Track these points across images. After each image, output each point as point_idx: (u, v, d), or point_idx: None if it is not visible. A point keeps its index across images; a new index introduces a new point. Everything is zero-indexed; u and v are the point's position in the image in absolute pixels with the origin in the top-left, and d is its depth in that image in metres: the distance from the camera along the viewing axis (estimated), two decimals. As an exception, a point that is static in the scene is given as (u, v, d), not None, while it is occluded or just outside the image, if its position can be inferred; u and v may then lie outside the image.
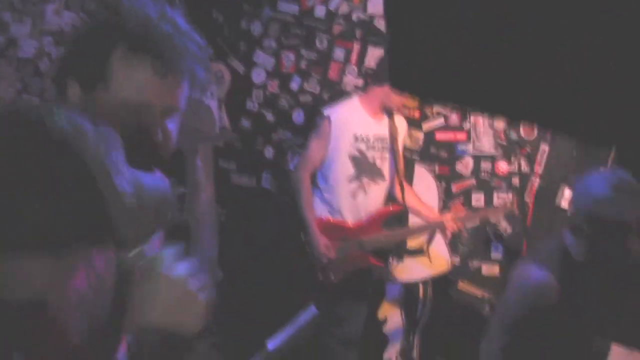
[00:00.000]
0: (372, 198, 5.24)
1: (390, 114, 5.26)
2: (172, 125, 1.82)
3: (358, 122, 5.16)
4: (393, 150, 5.27)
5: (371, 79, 5.32)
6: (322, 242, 5.04)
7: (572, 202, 3.45)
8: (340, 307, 5.23)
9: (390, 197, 5.42)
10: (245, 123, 6.81)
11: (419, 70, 1.17)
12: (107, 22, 1.65)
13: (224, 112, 6.79)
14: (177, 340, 1.63)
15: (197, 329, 1.65)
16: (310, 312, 2.14)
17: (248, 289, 5.96)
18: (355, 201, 5.17)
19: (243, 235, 6.53)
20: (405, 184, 5.36)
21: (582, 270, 3.22)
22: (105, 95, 1.67)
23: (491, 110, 1.43)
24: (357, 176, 5.14)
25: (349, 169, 5.12)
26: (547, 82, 1.06)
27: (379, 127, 5.22)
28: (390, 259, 5.49)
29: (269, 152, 6.76)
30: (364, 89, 5.82)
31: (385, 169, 5.27)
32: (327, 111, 5.26)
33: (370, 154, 5.17)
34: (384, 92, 5.06)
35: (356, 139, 5.12)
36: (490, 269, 5.93)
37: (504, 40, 1.05)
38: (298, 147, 6.54)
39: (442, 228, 5.28)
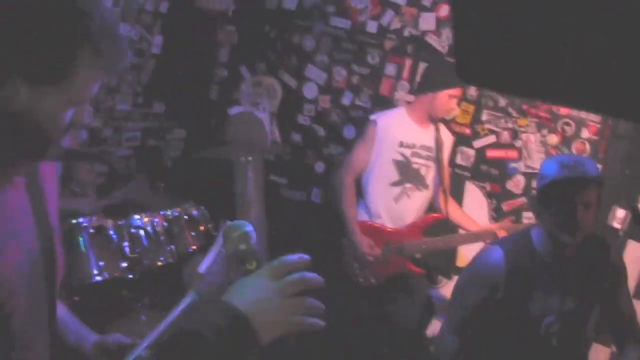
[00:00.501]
0: (414, 204, 5.20)
1: (436, 124, 5.25)
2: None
3: (404, 129, 5.16)
4: (438, 160, 5.24)
5: (418, 88, 5.29)
6: (365, 242, 5.04)
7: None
8: (388, 307, 5.24)
9: (432, 208, 5.39)
10: (296, 137, 6.84)
11: (483, 59, 1.17)
12: (74, 23, 1.63)
13: (275, 126, 6.87)
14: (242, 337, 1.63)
15: (266, 341, 1.63)
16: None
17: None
18: (397, 205, 5.14)
19: (292, 250, 6.53)
20: (449, 197, 5.30)
21: (543, 262, 3.29)
22: (58, 94, 1.65)
23: (555, 99, 1.42)
24: (401, 181, 5.12)
25: (393, 173, 5.11)
26: (616, 69, 1.05)
27: (425, 137, 5.19)
28: (439, 278, 5.46)
29: (319, 167, 6.77)
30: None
31: (429, 178, 5.23)
32: (373, 116, 5.29)
33: (414, 161, 5.15)
34: (429, 101, 5.08)
35: (401, 144, 5.12)
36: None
37: (571, 28, 1.04)
38: (348, 162, 6.55)
39: (492, 237, 5.18)
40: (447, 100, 5.06)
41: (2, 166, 1.75)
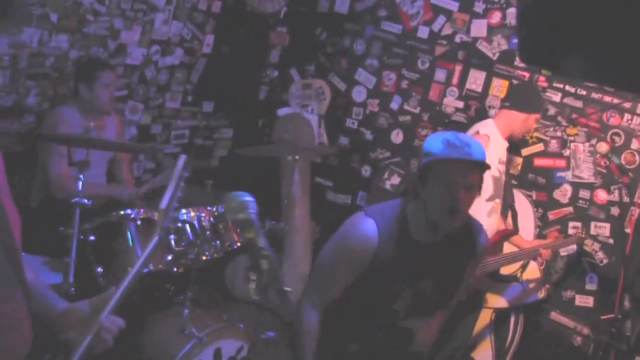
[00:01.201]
0: (496, 218, 5.22)
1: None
2: None
3: (501, 146, 5.16)
4: (506, 172, 5.33)
5: (519, 105, 5.17)
6: None
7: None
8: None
9: None
10: (344, 140, 6.86)
11: (547, 44, 1.17)
12: None
13: (323, 128, 6.89)
14: None
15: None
16: (181, 160, 2.22)
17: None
18: (488, 220, 5.07)
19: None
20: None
21: (412, 243, 3.14)
22: None
23: (618, 85, 1.42)
24: (493, 197, 5.10)
25: (489, 188, 5.03)
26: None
27: (505, 151, 5.26)
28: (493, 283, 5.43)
29: (366, 171, 6.77)
30: (474, 115, 5.83)
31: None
32: (482, 130, 5.10)
33: (503, 176, 5.20)
34: (522, 120, 5.13)
35: (499, 161, 5.12)
36: (583, 300, 5.77)
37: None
38: (395, 167, 6.54)
39: (536, 256, 5.16)
40: (533, 123, 5.24)
41: None
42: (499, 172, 5.07)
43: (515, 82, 5.99)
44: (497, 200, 5.13)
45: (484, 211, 5.03)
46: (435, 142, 3.04)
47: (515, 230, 5.36)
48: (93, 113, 5.01)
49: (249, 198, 1.93)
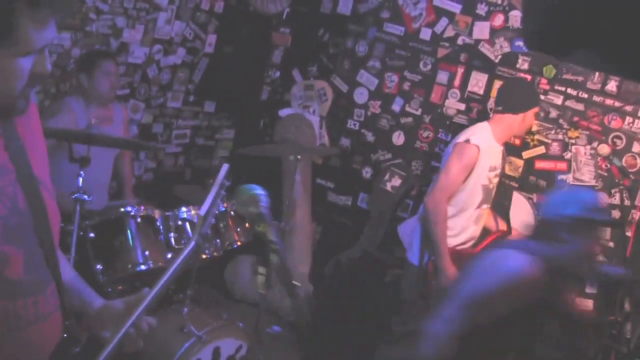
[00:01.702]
0: (483, 223, 5.22)
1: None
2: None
3: (494, 153, 5.05)
4: (502, 174, 5.29)
5: (511, 107, 5.07)
6: (453, 272, 4.85)
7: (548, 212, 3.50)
8: None
9: None
10: (345, 142, 6.86)
11: (553, 29, 1.17)
12: None
13: (324, 129, 6.89)
14: None
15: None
16: (224, 169, 2.26)
17: (337, 306, 5.97)
18: (475, 227, 5.11)
19: (337, 253, 6.55)
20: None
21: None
22: (10, 50, 1.72)
23: (623, 72, 1.42)
24: (481, 204, 5.06)
25: (479, 197, 5.02)
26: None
27: (500, 155, 5.16)
28: None
29: (367, 172, 6.77)
30: (476, 117, 5.77)
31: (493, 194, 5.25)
32: (473, 139, 4.95)
33: (492, 182, 5.10)
34: (520, 120, 5.00)
35: (490, 168, 5.01)
36: (583, 303, 5.76)
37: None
38: (396, 168, 6.53)
39: None
40: (533, 117, 5.11)
41: None
42: (488, 180, 5.00)
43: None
44: (485, 206, 5.11)
45: (472, 219, 5.06)
46: (595, 200, 3.43)
47: (509, 231, 5.33)
48: (96, 102, 5.00)
49: (260, 191, 1.94)
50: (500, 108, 5.05)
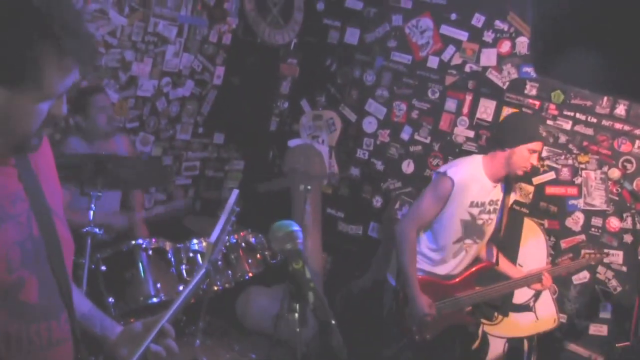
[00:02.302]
0: (470, 257, 5.02)
1: (509, 180, 5.01)
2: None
3: (478, 189, 4.80)
4: (502, 209, 5.00)
5: (499, 143, 4.95)
6: (425, 302, 4.75)
7: None
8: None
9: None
10: (355, 171, 6.86)
11: (561, 54, 1.17)
12: (34, 25, 1.72)
13: (334, 159, 6.90)
14: None
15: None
16: (233, 195, 2.28)
17: (349, 336, 5.92)
18: (454, 260, 4.95)
19: (348, 282, 6.54)
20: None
21: None
22: (34, 93, 1.76)
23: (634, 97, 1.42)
24: (462, 239, 4.88)
25: (458, 231, 4.84)
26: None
27: (495, 192, 4.91)
28: (495, 315, 5.35)
29: (377, 201, 6.76)
30: (487, 150, 5.65)
31: (489, 231, 5.00)
32: (450, 172, 4.78)
33: (480, 217, 4.87)
34: (508, 156, 4.74)
35: (471, 204, 4.80)
36: (598, 329, 5.72)
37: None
38: (406, 197, 6.53)
39: (538, 280, 5.08)
40: (527, 155, 4.70)
41: None
42: (470, 215, 4.81)
43: (524, 109, 6.00)
44: (469, 242, 4.91)
45: (450, 253, 4.92)
46: None
47: (495, 263, 5.17)
48: (98, 139, 5.01)
49: (296, 227, 1.95)
50: (492, 142, 5.01)
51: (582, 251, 5.56)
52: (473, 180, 4.80)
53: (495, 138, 5.03)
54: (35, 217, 1.95)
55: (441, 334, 4.95)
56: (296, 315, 1.96)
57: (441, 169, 4.88)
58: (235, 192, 2.34)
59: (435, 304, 4.82)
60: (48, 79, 1.74)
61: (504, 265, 5.27)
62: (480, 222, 4.89)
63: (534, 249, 5.61)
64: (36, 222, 1.95)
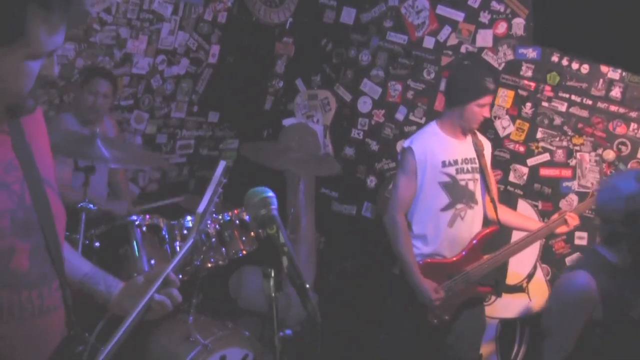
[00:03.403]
0: (469, 224, 4.82)
1: (472, 133, 4.92)
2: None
3: (442, 147, 4.74)
4: (481, 168, 4.88)
5: (446, 102, 4.90)
6: (430, 287, 4.60)
7: (600, 211, 3.41)
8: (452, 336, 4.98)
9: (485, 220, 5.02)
10: (349, 151, 6.85)
11: (561, 24, 1.17)
12: None
13: (328, 138, 6.89)
14: None
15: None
16: (221, 165, 2.31)
17: (342, 315, 5.94)
18: (452, 230, 4.74)
19: (341, 262, 6.55)
20: (497, 203, 5.00)
21: (626, 277, 3.28)
22: (21, 51, 1.78)
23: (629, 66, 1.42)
24: (452, 204, 4.72)
25: (442, 197, 4.71)
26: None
27: (464, 149, 4.83)
28: (490, 289, 5.25)
29: (371, 182, 6.77)
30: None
31: (478, 191, 4.86)
32: (407, 142, 4.80)
33: (460, 178, 4.75)
34: (459, 114, 4.70)
35: (443, 164, 4.71)
36: None
37: None
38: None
39: (562, 223, 4.79)
40: (477, 110, 4.67)
41: None
42: (448, 176, 4.72)
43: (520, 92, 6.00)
44: (460, 206, 4.76)
45: (443, 222, 4.75)
46: (624, 184, 3.24)
47: (497, 226, 4.96)
48: (85, 119, 5.00)
49: (270, 194, 1.96)
50: (446, 100, 4.90)
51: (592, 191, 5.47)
52: (432, 141, 4.75)
53: (445, 96, 4.91)
54: (28, 186, 1.97)
55: (457, 310, 4.84)
56: (271, 280, 1.97)
57: (401, 145, 4.87)
58: (223, 163, 2.35)
59: (444, 284, 4.68)
60: (35, 35, 1.76)
61: (518, 219, 5.17)
62: (462, 182, 4.77)
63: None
64: (29, 190, 1.97)
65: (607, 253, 3.32)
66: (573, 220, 4.76)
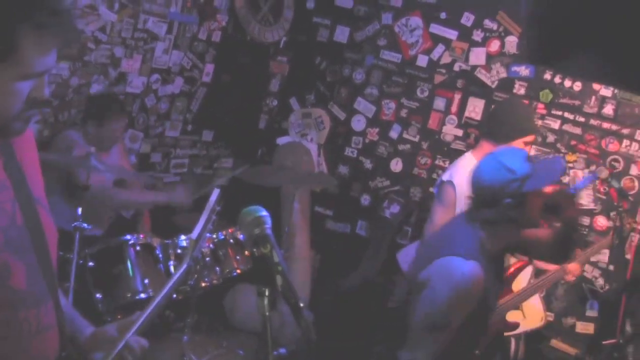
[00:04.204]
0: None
1: None
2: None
3: None
4: None
5: (481, 132, 4.82)
6: None
7: (485, 190, 3.20)
8: None
9: None
10: (343, 169, 6.86)
11: (554, 44, 1.18)
12: (10, 2, 1.72)
13: (322, 157, 6.90)
14: None
15: None
16: (215, 194, 2.32)
17: (337, 334, 5.93)
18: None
19: (336, 280, 6.54)
20: None
21: (492, 258, 3.21)
22: (12, 71, 1.74)
23: (625, 85, 1.43)
24: None
25: None
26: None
27: None
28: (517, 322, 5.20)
29: (365, 200, 6.77)
30: (474, 143, 5.48)
31: None
32: (446, 176, 4.70)
33: None
34: (495, 147, 4.40)
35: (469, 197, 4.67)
36: (584, 327, 5.75)
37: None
38: (395, 195, 6.54)
39: (565, 274, 4.86)
40: (522, 147, 4.42)
41: None
42: None
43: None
44: None
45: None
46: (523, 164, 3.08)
47: (529, 260, 4.97)
48: (99, 147, 5.01)
49: (264, 213, 1.97)
50: (484, 133, 4.84)
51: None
52: (469, 174, 4.67)
53: (488, 131, 4.80)
54: (20, 206, 1.95)
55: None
56: (265, 299, 1.97)
57: (439, 179, 4.75)
58: (217, 191, 2.36)
59: None
60: (25, 55, 1.73)
61: None
62: None
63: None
64: (20, 210, 1.95)
65: (484, 236, 3.17)
66: (574, 269, 4.84)
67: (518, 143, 4.53)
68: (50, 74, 5.08)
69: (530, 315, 5.62)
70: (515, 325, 5.00)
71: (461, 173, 4.61)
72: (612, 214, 5.67)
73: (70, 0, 1.89)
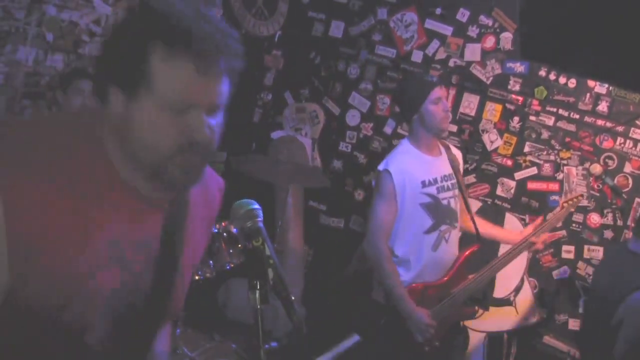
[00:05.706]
0: (452, 246, 4.66)
1: (444, 144, 4.79)
2: (215, 122, 1.75)
3: (420, 166, 4.55)
4: (458, 184, 4.69)
5: (404, 116, 4.71)
6: (423, 315, 4.39)
7: None
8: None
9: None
10: (337, 164, 6.86)
11: (548, 39, 1.18)
12: (143, 23, 1.60)
13: (316, 151, 6.89)
14: None
15: None
16: (352, 340, 2.26)
17: (330, 328, 5.94)
18: (435, 254, 4.55)
19: (329, 275, 6.54)
20: (474, 216, 4.83)
21: None
22: (150, 99, 1.61)
23: (619, 82, 1.44)
24: (436, 225, 4.53)
25: (425, 219, 4.50)
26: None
27: (442, 165, 4.65)
28: (476, 309, 5.19)
29: (359, 195, 6.77)
30: (468, 139, 5.56)
31: (458, 208, 4.69)
32: (382, 165, 4.57)
33: (442, 197, 4.56)
34: (420, 121, 4.52)
35: (424, 184, 4.51)
36: (577, 324, 5.75)
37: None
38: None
39: (529, 246, 4.72)
40: (433, 108, 4.48)
41: (149, 192, 1.75)
42: (429, 196, 4.52)
43: (508, 106, 6.02)
44: (443, 227, 4.56)
45: (427, 247, 4.54)
46: None
47: (478, 244, 4.80)
48: None
49: (256, 206, 1.96)
50: (402, 118, 4.80)
51: (560, 201, 5.29)
52: (408, 160, 4.55)
53: (402, 115, 4.80)
54: (154, 274, 1.81)
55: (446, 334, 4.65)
56: (257, 292, 1.97)
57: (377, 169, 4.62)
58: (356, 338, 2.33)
59: (434, 309, 4.49)
60: (164, 80, 1.61)
61: (499, 232, 5.07)
62: (445, 201, 4.58)
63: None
64: (152, 278, 1.80)
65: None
66: (540, 238, 4.72)
67: (426, 107, 4.48)
68: (44, 66, 5.12)
69: (524, 311, 5.65)
70: (473, 313, 4.87)
71: (397, 160, 4.56)
72: (605, 210, 5.68)
73: (214, 24, 1.72)
